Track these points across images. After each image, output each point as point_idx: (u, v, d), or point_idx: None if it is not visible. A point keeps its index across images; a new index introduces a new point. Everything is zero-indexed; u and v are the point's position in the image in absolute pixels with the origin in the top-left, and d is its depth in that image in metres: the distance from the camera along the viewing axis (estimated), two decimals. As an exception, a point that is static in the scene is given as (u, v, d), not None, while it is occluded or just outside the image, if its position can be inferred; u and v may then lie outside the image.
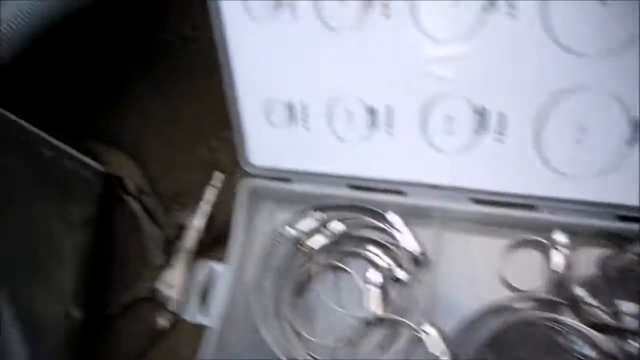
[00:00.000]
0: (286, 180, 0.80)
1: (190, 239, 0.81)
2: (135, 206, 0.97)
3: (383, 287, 0.73)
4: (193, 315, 0.77)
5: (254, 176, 0.80)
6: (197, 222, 0.81)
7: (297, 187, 0.79)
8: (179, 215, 0.95)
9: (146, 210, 0.98)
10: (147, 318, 0.89)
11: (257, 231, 0.82)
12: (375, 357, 0.72)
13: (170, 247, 0.92)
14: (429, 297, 0.71)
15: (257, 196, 0.82)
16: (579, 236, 0.69)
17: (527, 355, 0.69)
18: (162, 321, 0.84)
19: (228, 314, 0.76)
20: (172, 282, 0.80)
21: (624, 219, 0.68)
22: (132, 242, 0.96)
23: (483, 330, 0.67)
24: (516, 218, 0.71)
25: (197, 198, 0.82)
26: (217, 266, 0.77)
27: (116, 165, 0.99)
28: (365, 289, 0.73)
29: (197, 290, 0.78)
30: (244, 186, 0.79)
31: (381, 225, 0.74)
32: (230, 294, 0.76)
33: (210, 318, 0.75)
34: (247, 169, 0.81)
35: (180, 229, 0.91)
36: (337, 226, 0.76)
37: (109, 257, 0.95)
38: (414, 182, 0.75)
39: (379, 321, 0.73)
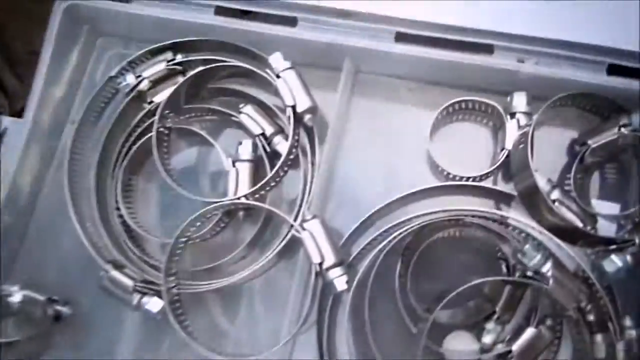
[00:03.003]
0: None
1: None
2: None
3: (256, 164, 0.52)
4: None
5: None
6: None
7: (141, 9, 0.55)
8: None
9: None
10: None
11: (83, 78, 0.59)
12: (239, 259, 0.52)
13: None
14: (320, 183, 0.51)
15: (80, 24, 0.59)
16: (544, 102, 0.48)
17: (456, 269, 0.50)
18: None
19: (21, 191, 0.54)
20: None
21: (614, 72, 0.49)
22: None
23: (392, 232, 0.48)
24: (459, 68, 0.51)
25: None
26: (9, 120, 0.54)
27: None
28: (230, 166, 0.52)
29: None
30: (59, 9, 0.55)
31: (260, 73, 0.51)
32: (26, 162, 0.54)
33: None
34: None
35: None
36: (197, 73, 0.53)
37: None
38: (311, 5, 0.54)
39: (247, 211, 0.54)
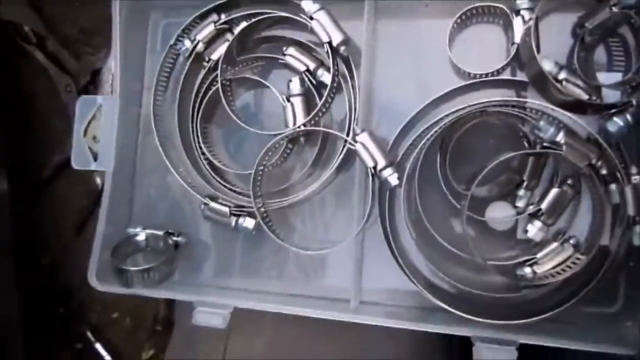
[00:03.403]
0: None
1: (108, 84, 0.72)
2: (39, 55, 0.86)
3: (306, 96, 0.61)
4: (82, 161, 0.66)
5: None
6: (113, 64, 0.68)
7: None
8: (93, 59, 0.85)
9: (51, 57, 0.87)
10: (82, 177, 0.83)
11: (146, 50, 0.70)
12: (306, 176, 0.63)
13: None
14: (363, 102, 0.60)
15: (139, 6, 0.68)
16: None
17: (486, 151, 0.59)
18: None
19: (123, 154, 0.67)
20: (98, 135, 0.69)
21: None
22: (45, 98, 0.87)
23: (429, 131, 0.57)
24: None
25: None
26: (101, 98, 0.65)
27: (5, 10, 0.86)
28: (285, 102, 0.61)
29: (81, 131, 0.66)
30: (118, -3, 0.66)
31: (296, 18, 0.60)
32: (122, 129, 0.66)
33: (101, 162, 0.65)
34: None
35: (95, 74, 0.84)
36: (242, 29, 0.62)
37: (26, 121, 0.86)
38: None
39: (306, 136, 0.64)
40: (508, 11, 0.57)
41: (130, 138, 0.68)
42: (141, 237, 0.66)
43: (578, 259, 0.55)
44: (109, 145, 0.65)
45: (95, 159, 0.65)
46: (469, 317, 0.55)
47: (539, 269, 0.56)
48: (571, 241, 0.56)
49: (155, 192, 0.69)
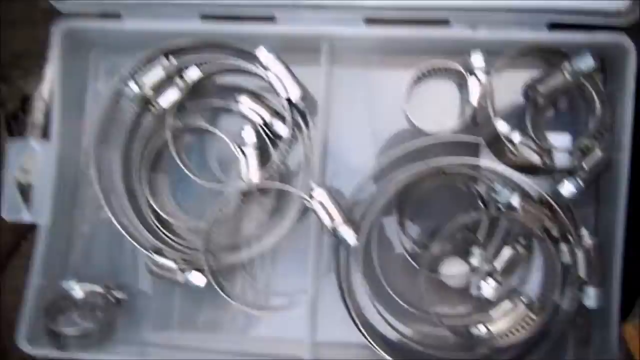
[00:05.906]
0: (115, 16, 0.63)
1: (39, 111, 0.67)
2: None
3: (261, 148, 0.60)
4: (14, 211, 0.61)
5: (70, 15, 0.62)
6: (45, 91, 0.66)
7: (132, 24, 0.62)
8: (22, 84, 0.79)
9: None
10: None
11: (86, 91, 0.67)
12: (259, 234, 0.62)
13: (18, 125, 0.78)
14: (319, 155, 0.60)
15: (80, 43, 0.65)
16: (499, 56, 0.57)
17: (440, 211, 0.61)
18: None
19: (60, 203, 0.63)
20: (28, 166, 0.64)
21: (554, 27, 0.58)
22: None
23: (386, 189, 0.57)
24: (422, 40, 0.60)
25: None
26: (36, 143, 0.61)
27: None
28: (239, 153, 0.60)
29: (13, 178, 0.61)
30: (59, 30, 0.62)
31: (251, 67, 0.59)
32: (60, 177, 0.62)
33: (36, 213, 0.60)
34: (58, 5, 0.62)
35: (25, 100, 0.77)
36: (194, 74, 0.60)
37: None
38: (287, 2, 0.60)
39: (260, 191, 0.63)
40: (463, 71, 0.58)
41: (69, 186, 0.64)
42: (78, 292, 0.62)
43: (531, 318, 0.57)
44: (45, 196, 0.60)
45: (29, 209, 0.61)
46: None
47: (493, 328, 0.58)
48: (523, 299, 0.58)
49: (94, 242, 0.65)
